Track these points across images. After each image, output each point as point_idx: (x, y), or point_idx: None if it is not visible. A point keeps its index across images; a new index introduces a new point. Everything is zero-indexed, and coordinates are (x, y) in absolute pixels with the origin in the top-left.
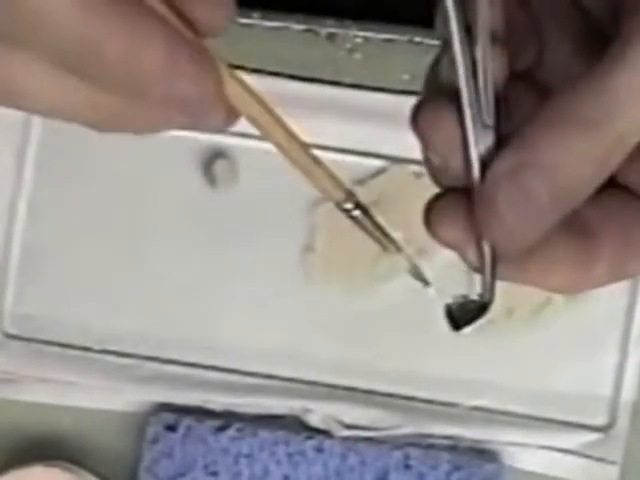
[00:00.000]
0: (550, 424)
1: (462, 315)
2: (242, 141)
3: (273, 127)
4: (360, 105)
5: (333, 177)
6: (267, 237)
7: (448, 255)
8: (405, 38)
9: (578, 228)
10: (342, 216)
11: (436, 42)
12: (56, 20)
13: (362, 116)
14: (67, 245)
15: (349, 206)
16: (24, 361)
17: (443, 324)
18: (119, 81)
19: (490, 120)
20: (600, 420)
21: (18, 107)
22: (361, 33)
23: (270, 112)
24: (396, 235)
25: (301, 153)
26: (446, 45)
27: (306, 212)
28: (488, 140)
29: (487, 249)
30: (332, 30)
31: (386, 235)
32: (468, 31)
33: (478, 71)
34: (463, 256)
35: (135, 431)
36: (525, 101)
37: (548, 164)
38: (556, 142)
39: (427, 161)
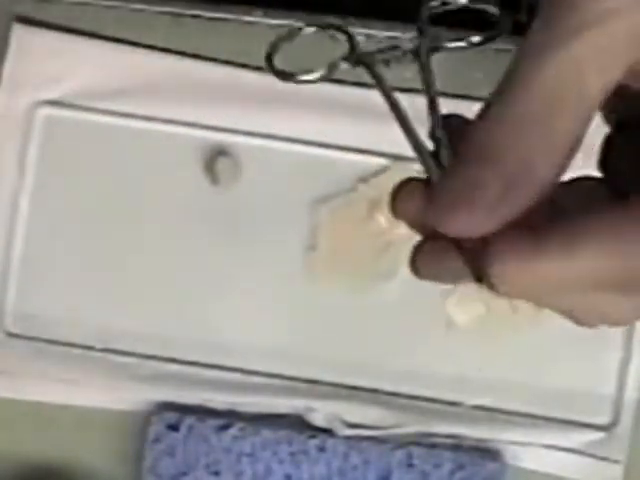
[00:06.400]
0: (553, 423)
1: None
2: (244, 139)
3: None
4: (362, 103)
5: None
6: (269, 236)
7: None
8: (408, 36)
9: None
10: (344, 215)
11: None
12: None
13: (364, 114)
14: (69, 244)
15: None
16: (26, 360)
17: (443, 323)
18: None
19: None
20: (603, 419)
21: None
22: (363, 30)
23: None
24: (400, 232)
25: None
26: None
27: (308, 211)
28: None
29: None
30: None
31: None
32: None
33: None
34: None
35: (137, 430)
36: None
37: (496, 161)
38: (502, 137)
39: None
